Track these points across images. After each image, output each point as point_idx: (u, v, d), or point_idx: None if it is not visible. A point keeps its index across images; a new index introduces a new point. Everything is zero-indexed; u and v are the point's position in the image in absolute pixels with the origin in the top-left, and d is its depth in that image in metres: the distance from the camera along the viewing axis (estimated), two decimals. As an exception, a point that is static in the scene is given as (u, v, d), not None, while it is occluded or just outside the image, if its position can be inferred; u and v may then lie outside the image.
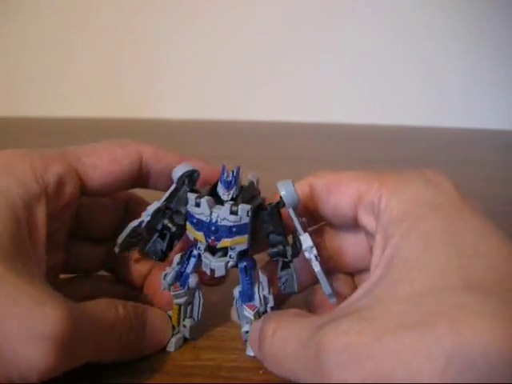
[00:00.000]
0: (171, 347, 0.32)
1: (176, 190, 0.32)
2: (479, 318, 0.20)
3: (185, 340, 0.33)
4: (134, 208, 0.37)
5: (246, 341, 0.32)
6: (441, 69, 1.12)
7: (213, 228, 0.29)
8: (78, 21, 1.17)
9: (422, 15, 1.10)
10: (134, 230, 0.33)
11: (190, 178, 0.32)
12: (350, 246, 0.33)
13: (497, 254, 0.24)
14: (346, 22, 1.13)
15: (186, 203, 0.31)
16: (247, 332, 0.32)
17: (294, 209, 0.30)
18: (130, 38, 1.17)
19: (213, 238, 0.30)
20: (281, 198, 0.30)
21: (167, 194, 0.32)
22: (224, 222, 0.29)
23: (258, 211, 0.30)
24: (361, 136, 1.06)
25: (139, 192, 0.37)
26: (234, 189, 0.30)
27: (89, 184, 0.32)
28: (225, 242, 0.30)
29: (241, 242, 0.30)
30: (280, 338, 0.27)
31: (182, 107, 1.18)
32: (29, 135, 0.96)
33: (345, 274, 0.35)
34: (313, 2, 1.12)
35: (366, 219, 0.30)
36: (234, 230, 0.29)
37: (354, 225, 0.32)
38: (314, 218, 0.33)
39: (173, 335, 0.33)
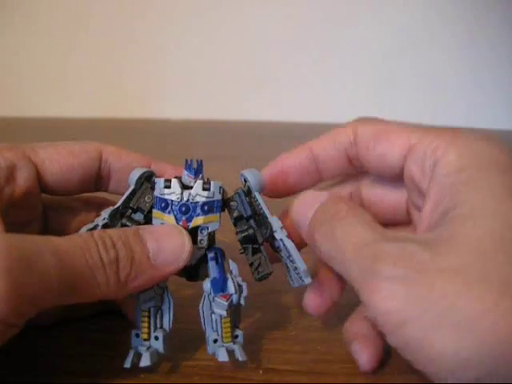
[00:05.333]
0: (146, 361, 0.28)
1: (134, 192, 0.31)
2: None
3: (158, 354, 0.30)
4: None
5: (213, 353, 0.29)
6: (441, 69, 1.12)
7: (183, 208, 0.29)
8: (78, 21, 1.17)
9: (422, 16, 1.10)
10: None
11: (148, 180, 0.32)
12: (386, 198, 0.33)
13: None
14: (346, 23, 1.13)
15: (150, 198, 0.30)
16: (216, 341, 0.29)
17: (260, 194, 0.31)
18: (130, 39, 1.17)
19: (184, 218, 0.29)
20: (245, 184, 0.31)
21: (125, 195, 0.31)
22: (197, 199, 0.29)
23: (225, 204, 0.31)
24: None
25: (114, 198, 0.35)
26: (200, 175, 0.30)
27: (47, 177, 0.32)
28: (197, 220, 0.29)
29: (213, 220, 0.30)
30: (348, 223, 0.27)
31: (182, 107, 1.18)
32: (29, 135, 0.96)
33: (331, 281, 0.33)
34: (313, 4, 1.12)
35: (415, 169, 0.29)
36: (207, 207, 0.29)
37: (398, 176, 0.31)
38: (354, 166, 0.33)
39: (147, 349, 0.29)
